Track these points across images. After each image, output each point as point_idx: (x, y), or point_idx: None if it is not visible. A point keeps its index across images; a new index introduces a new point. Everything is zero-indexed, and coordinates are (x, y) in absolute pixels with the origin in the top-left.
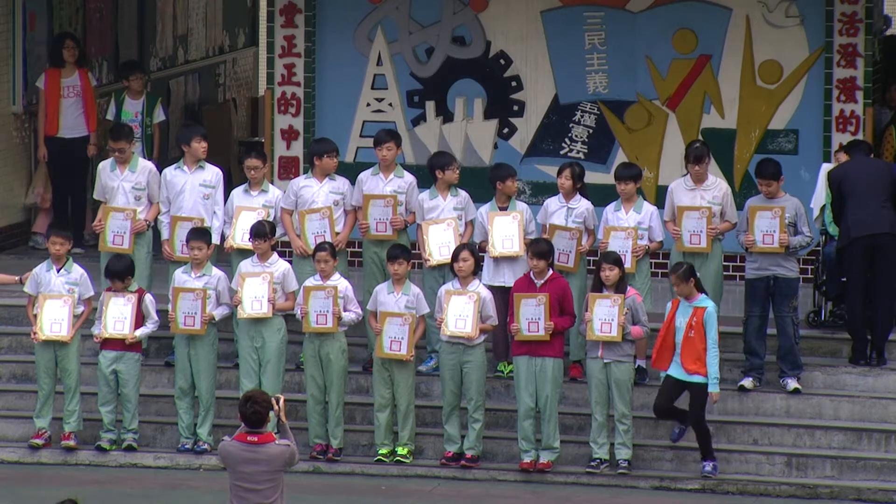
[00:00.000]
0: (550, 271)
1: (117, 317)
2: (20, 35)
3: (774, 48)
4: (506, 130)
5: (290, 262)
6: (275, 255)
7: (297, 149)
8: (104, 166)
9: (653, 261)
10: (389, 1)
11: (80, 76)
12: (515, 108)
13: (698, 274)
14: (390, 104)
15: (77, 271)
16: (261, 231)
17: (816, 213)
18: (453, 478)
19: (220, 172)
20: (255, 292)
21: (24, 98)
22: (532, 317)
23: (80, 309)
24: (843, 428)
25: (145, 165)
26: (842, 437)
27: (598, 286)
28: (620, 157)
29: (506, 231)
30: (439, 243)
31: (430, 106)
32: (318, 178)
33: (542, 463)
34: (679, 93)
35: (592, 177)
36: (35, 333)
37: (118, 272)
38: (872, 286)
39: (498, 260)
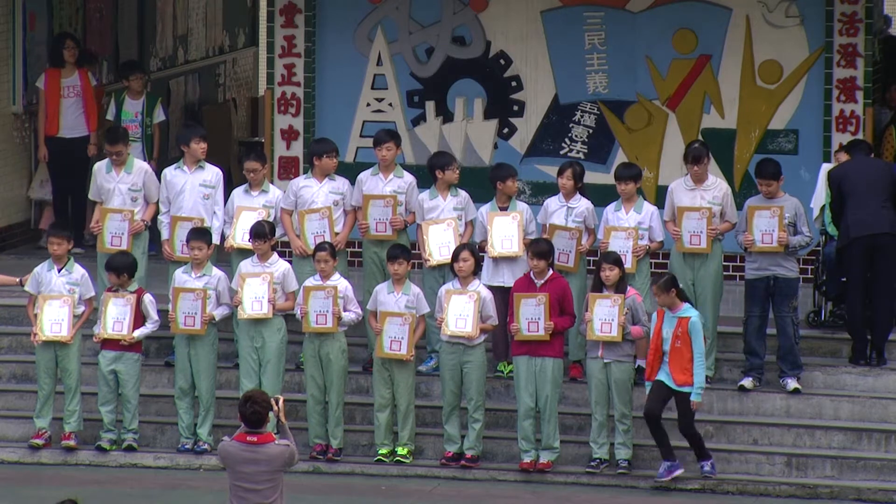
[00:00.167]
0: (550, 271)
1: (116, 317)
2: (20, 35)
3: (774, 48)
4: (506, 130)
5: (290, 262)
6: (275, 256)
7: (297, 149)
8: (100, 167)
9: (653, 261)
10: (389, 1)
11: (80, 76)
12: (515, 108)
13: (699, 274)
14: (390, 104)
15: (78, 271)
16: (261, 231)
17: (816, 213)
18: (453, 478)
19: (220, 172)
20: (256, 292)
21: (24, 98)
22: (532, 317)
23: (81, 309)
24: (843, 428)
25: (141, 166)
26: (842, 437)
27: (598, 286)
28: (620, 157)
29: (505, 231)
30: (439, 243)
31: (430, 106)
32: (318, 178)
33: (542, 463)
34: (679, 93)
35: (592, 177)
36: (35, 334)
37: (116, 268)
38: (872, 286)
39: (497, 260)
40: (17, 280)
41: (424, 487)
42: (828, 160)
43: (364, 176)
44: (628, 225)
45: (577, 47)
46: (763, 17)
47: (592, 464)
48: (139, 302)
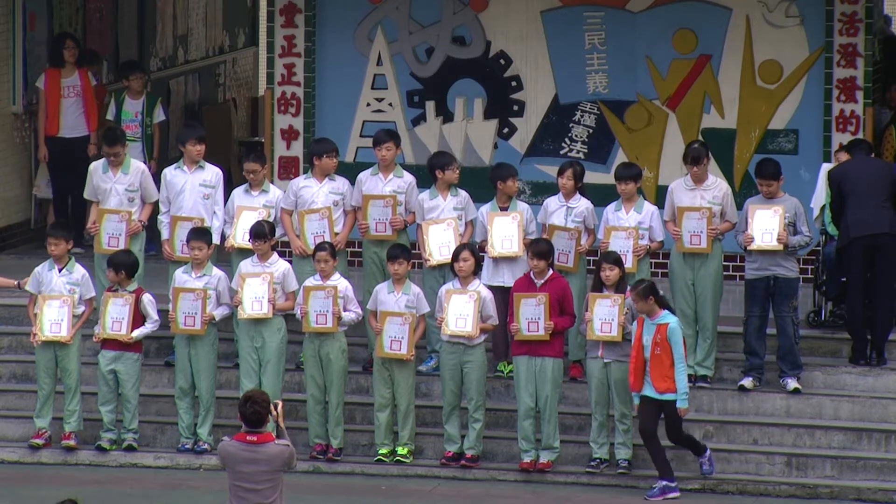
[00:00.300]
0: (550, 271)
1: (115, 317)
2: (20, 35)
3: (774, 48)
4: (506, 130)
5: (290, 262)
6: (275, 255)
7: (297, 149)
8: (96, 167)
9: (653, 261)
10: (389, 1)
11: (80, 76)
12: (515, 108)
13: (699, 274)
14: (390, 104)
15: (79, 272)
16: (260, 231)
17: (816, 212)
18: (453, 478)
19: (220, 172)
20: (256, 292)
21: (24, 98)
22: (532, 317)
23: (81, 309)
24: (843, 428)
25: (137, 166)
26: (842, 437)
27: (599, 286)
28: (620, 157)
29: (505, 231)
30: (439, 243)
31: (430, 106)
32: (318, 178)
33: (542, 463)
34: (679, 93)
35: (592, 177)
36: (34, 334)
37: (115, 264)
38: (872, 286)
39: (497, 260)
40: (16, 283)
41: (424, 487)
42: (828, 160)
43: (364, 176)
44: (629, 225)
45: (577, 47)
46: (763, 17)
47: (592, 464)
48: (138, 302)
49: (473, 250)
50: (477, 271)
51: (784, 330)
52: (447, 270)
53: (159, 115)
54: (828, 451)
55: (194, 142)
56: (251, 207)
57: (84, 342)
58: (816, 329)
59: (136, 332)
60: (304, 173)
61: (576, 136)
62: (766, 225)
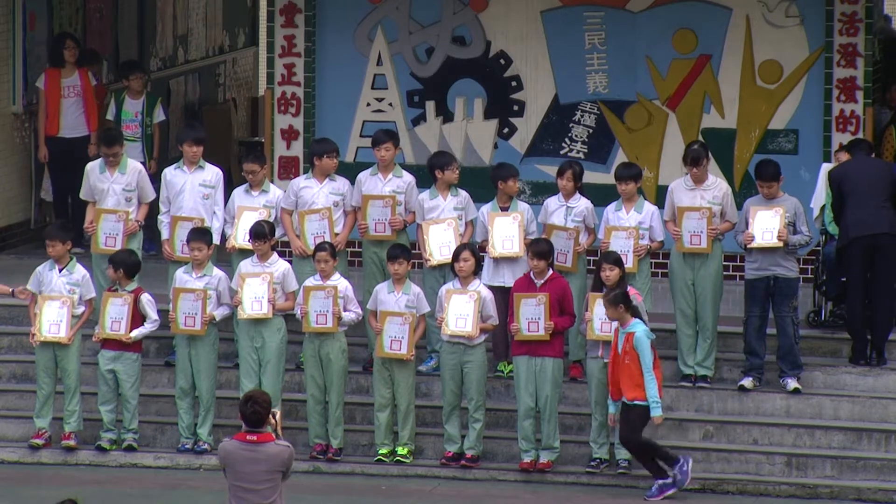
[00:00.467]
0: (550, 271)
1: (114, 317)
2: (20, 35)
3: (774, 48)
4: (506, 130)
5: (290, 262)
6: (275, 255)
7: (297, 149)
8: (93, 168)
9: (653, 261)
10: (389, 1)
11: (80, 76)
12: (515, 108)
13: (699, 274)
14: (390, 104)
15: (79, 272)
16: (260, 232)
17: (816, 212)
18: (453, 478)
19: (220, 172)
20: (255, 292)
21: (24, 98)
22: (532, 317)
23: (81, 310)
24: (843, 428)
25: (134, 166)
26: (842, 437)
27: (599, 286)
28: (620, 157)
29: (506, 232)
30: (440, 243)
31: (430, 106)
32: (319, 178)
33: (542, 463)
34: (679, 93)
35: (592, 177)
36: (33, 335)
37: (115, 262)
38: (872, 286)
39: (498, 260)
40: (11, 290)
41: (424, 487)
42: (828, 160)
43: (363, 176)
44: (629, 225)
45: (577, 47)
46: (763, 16)
47: (592, 464)
48: (137, 302)
49: (474, 250)
50: (477, 271)
51: (784, 330)
52: (447, 270)
53: (159, 115)
54: (828, 451)
55: (191, 143)
56: (251, 207)
57: (84, 342)
58: (816, 329)
59: (135, 332)
60: (304, 173)
61: (576, 136)
62: (766, 224)
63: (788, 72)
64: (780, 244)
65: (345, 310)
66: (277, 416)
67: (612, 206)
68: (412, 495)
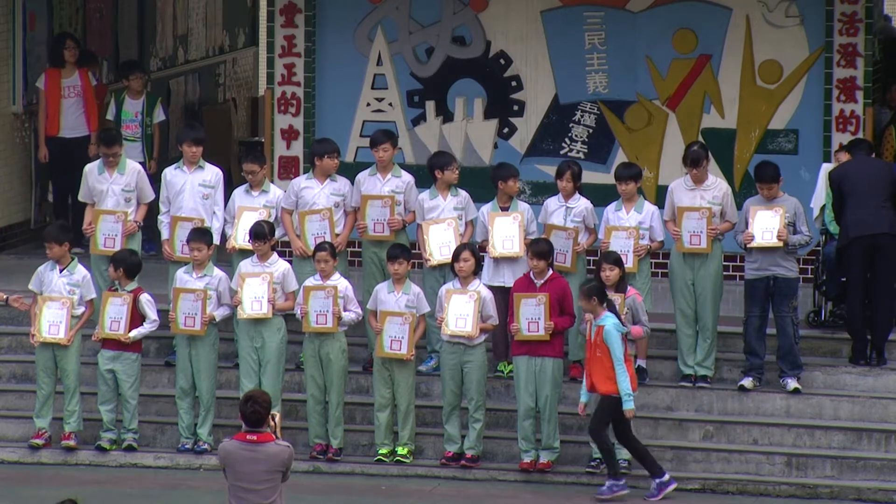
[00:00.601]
0: (550, 271)
1: (114, 317)
2: (20, 35)
3: (774, 48)
4: (506, 130)
5: (290, 262)
6: (275, 255)
7: (297, 149)
8: (91, 169)
9: (653, 261)
10: (389, 1)
11: (80, 76)
12: (515, 107)
13: (699, 274)
14: (390, 104)
15: (80, 273)
16: (260, 232)
17: (816, 212)
18: (453, 478)
19: (220, 172)
20: (255, 292)
21: (24, 98)
22: (532, 317)
23: (81, 310)
24: (843, 428)
25: (133, 167)
26: (842, 437)
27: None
28: (620, 157)
29: (506, 232)
30: (440, 243)
31: (430, 106)
32: (319, 179)
33: (542, 463)
34: (679, 93)
35: (592, 177)
36: (33, 336)
37: (116, 261)
38: (872, 286)
39: (498, 260)
40: (4, 297)
41: (424, 487)
42: (828, 160)
43: (362, 176)
44: (629, 224)
45: (577, 47)
46: (763, 16)
47: (592, 464)
48: (136, 301)
49: (474, 250)
50: (477, 271)
51: (784, 330)
52: (447, 270)
53: (159, 115)
54: (828, 451)
55: (190, 143)
56: (252, 208)
57: (84, 342)
58: (816, 329)
59: (134, 332)
60: (304, 173)
61: (576, 136)
62: (766, 224)
63: (788, 72)
64: (780, 244)
65: (345, 310)
66: (277, 419)
67: (612, 206)
68: (412, 495)
